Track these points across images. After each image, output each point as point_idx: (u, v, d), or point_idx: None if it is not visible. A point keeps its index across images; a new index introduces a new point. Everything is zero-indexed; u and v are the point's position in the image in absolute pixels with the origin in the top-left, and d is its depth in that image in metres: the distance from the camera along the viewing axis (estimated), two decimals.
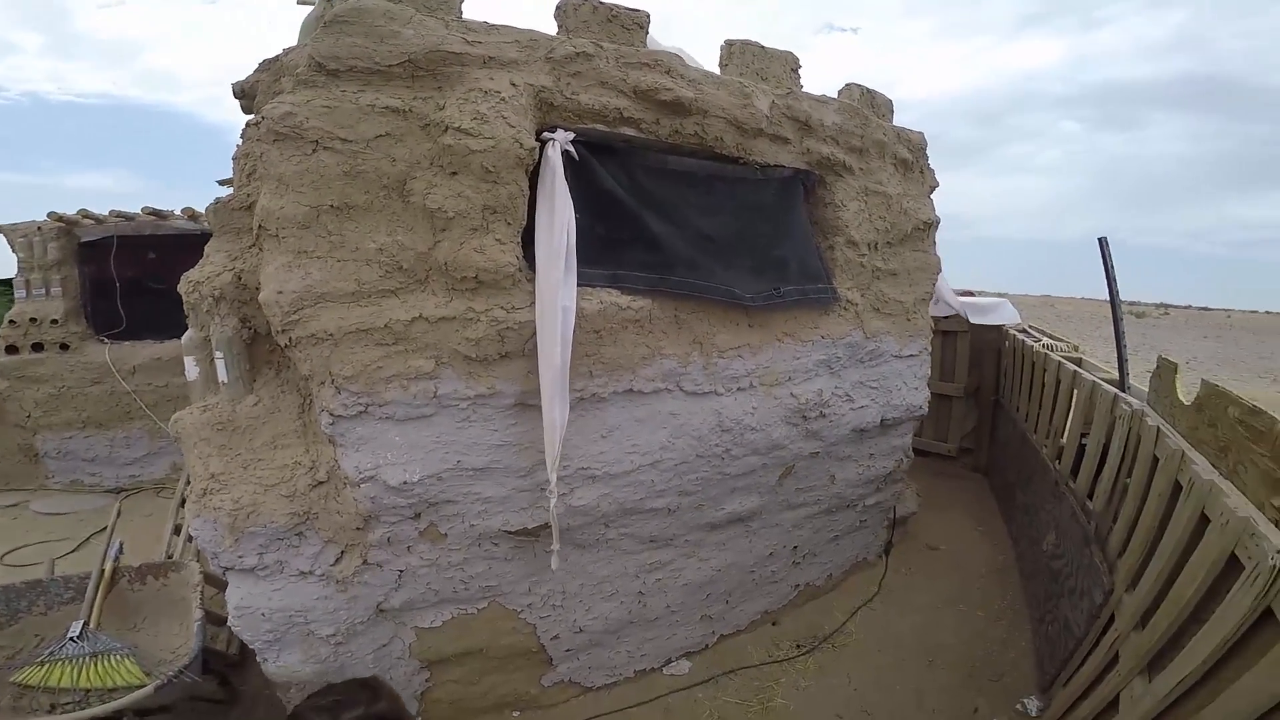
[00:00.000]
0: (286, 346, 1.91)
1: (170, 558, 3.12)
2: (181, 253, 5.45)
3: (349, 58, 1.91)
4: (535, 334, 2.02)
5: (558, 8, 2.27)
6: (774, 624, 3.24)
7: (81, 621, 2.32)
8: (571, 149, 2.11)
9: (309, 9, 2.36)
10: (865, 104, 3.11)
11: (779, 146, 2.70)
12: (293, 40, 2.25)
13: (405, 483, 2.02)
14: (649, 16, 2.39)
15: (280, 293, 1.84)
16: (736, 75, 2.62)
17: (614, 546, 2.61)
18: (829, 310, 2.88)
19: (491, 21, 2.11)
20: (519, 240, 2.07)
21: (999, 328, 5.00)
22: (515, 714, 2.65)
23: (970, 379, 5.22)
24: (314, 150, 1.89)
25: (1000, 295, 5.73)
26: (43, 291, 5.24)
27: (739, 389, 2.57)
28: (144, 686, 2.08)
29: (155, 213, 5.48)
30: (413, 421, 2.01)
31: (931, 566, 3.82)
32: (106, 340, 5.32)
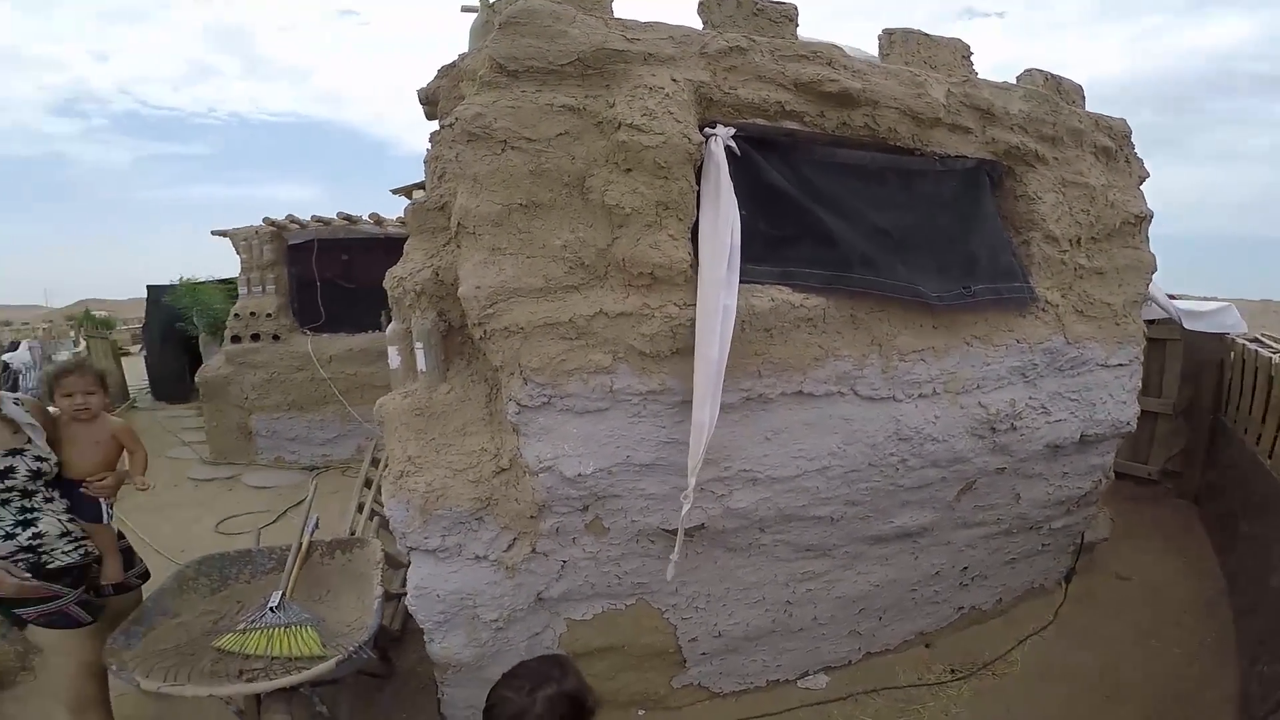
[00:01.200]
0: (481, 339, 2.02)
1: (353, 534, 3.39)
2: (368, 255, 6.06)
3: (525, 58, 1.98)
4: None
5: (701, 3, 2.25)
6: (927, 645, 3.03)
7: (280, 592, 2.44)
8: (733, 144, 2.07)
9: (473, 15, 2.50)
10: (1052, 90, 2.84)
11: (959, 136, 2.53)
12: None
13: (579, 475, 2.07)
14: (797, 9, 2.31)
15: (478, 287, 1.94)
16: (901, 65, 2.47)
17: (767, 553, 2.53)
18: (1025, 312, 2.62)
19: (640, 19, 2.13)
20: (689, 236, 2.05)
21: (1221, 336, 4.29)
22: (641, 712, 2.65)
23: (1181, 394, 4.55)
24: (503, 150, 1.98)
25: (1210, 299, 4.90)
26: (260, 289, 6.00)
27: (920, 395, 2.40)
28: (321, 657, 2.15)
29: (347, 217, 6.10)
30: (590, 415, 2.05)
31: (1120, 598, 3.41)
32: (308, 332, 5.99)
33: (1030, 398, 2.64)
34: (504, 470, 2.16)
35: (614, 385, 2.02)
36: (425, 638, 2.30)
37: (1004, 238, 2.68)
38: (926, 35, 2.61)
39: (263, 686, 1.99)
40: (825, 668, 2.88)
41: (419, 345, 2.31)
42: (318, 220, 6.07)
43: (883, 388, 2.32)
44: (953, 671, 2.85)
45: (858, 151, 2.35)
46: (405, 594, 2.79)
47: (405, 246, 2.61)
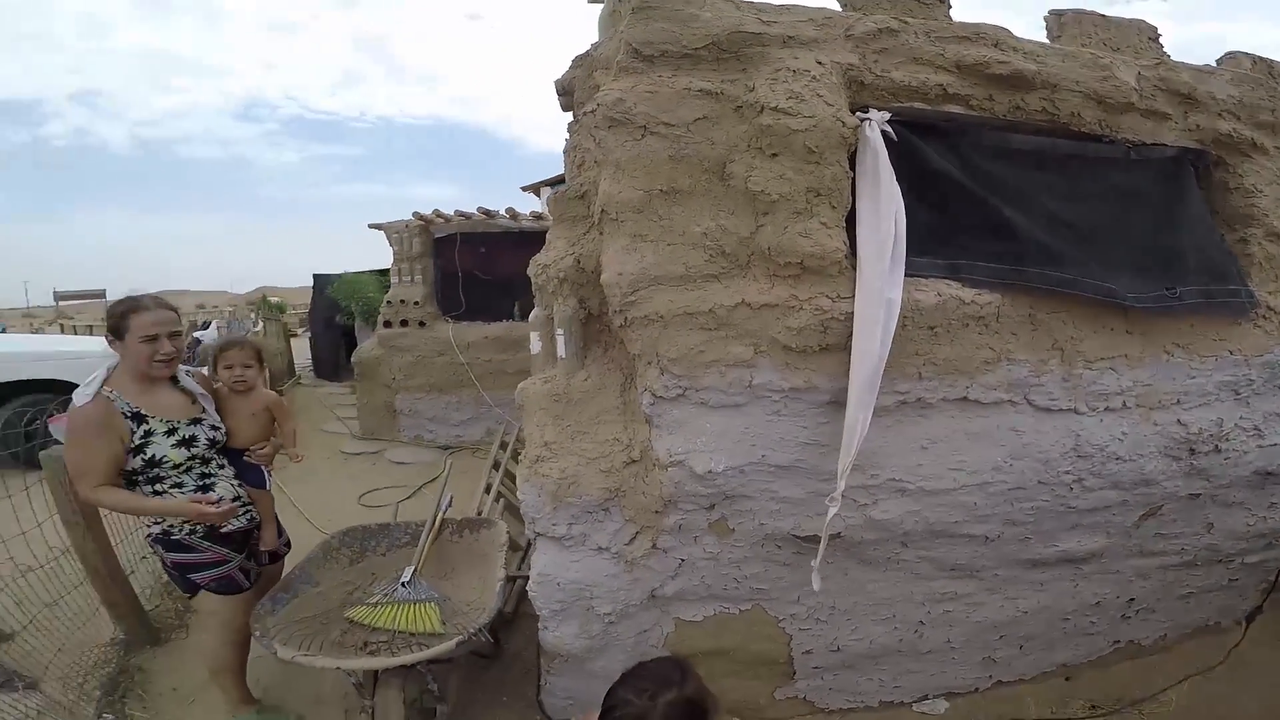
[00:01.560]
0: (621, 326, 1.99)
1: (480, 514, 3.48)
2: (503, 248, 6.34)
3: (660, 42, 1.95)
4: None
5: None
6: (1068, 679, 2.70)
7: (413, 568, 2.48)
8: (889, 129, 1.91)
9: (599, 7, 2.48)
10: (1263, 73, 2.47)
11: (1155, 123, 2.25)
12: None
13: (710, 471, 1.98)
14: None
15: (620, 274, 1.91)
16: (1076, 47, 2.22)
17: (906, 569, 2.33)
18: (1241, 319, 2.24)
19: (774, 2, 2.05)
20: (844, 225, 1.91)
21: None
22: None
23: None
24: (643, 135, 1.95)
25: None
26: (409, 278, 6.41)
27: (1107, 409, 2.11)
28: (439, 634, 2.16)
29: (486, 212, 6.39)
30: (725, 410, 1.96)
31: None
32: (450, 320, 6.33)
33: (1241, 417, 2.26)
34: (634, 462, 2.12)
35: (753, 380, 1.91)
36: (540, 625, 2.30)
37: (1214, 235, 2.31)
38: (1102, 16, 2.39)
39: (386, 662, 2.02)
40: (947, 693, 2.63)
41: (559, 331, 2.32)
42: (460, 215, 6.41)
43: (1062, 398, 2.05)
44: (1093, 708, 2.54)
45: (1036, 138, 2.12)
46: (519, 577, 2.84)
47: (548, 235, 2.65)
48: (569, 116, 2.81)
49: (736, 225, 1.91)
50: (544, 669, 2.49)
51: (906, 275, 1.84)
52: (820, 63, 1.97)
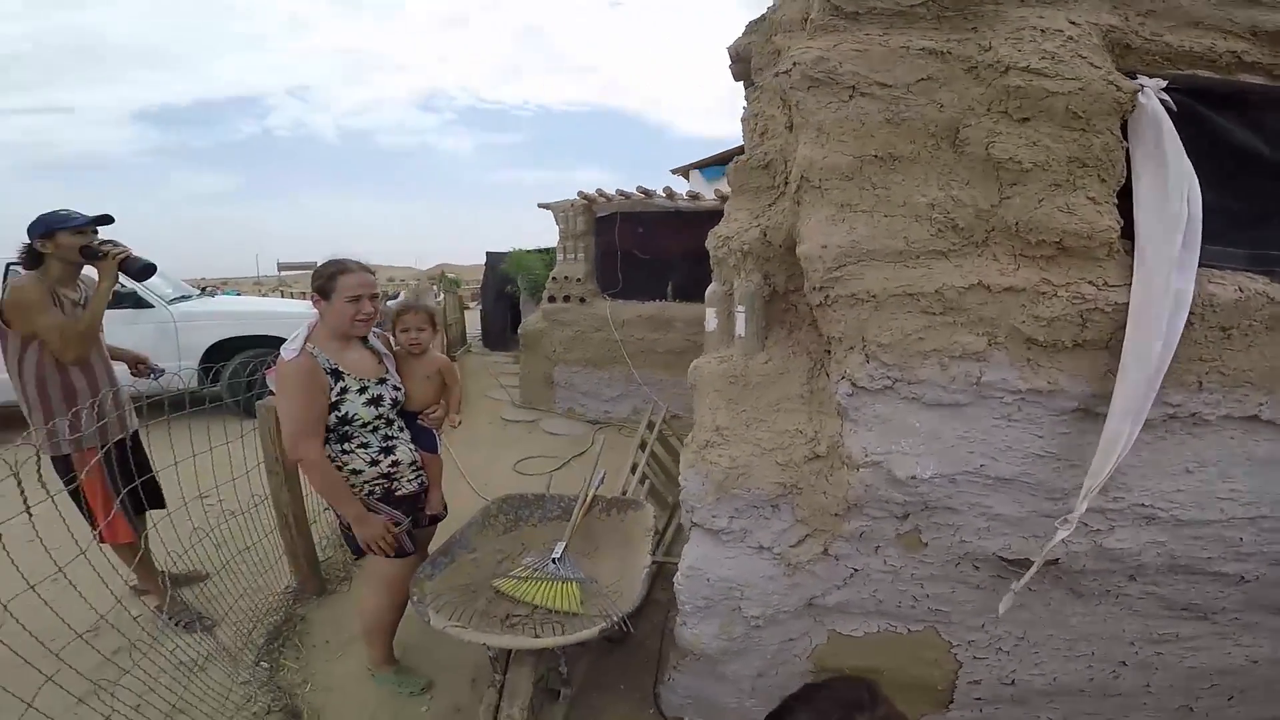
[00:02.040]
0: (819, 305, 1.79)
1: (624, 494, 3.34)
2: (659, 227, 6.28)
3: None
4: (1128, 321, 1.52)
5: None
6: None
7: (564, 544, 2.44)
8: (1167, 98, 1.55)
9: None
10: None
11: None
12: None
13: (913, 477, 1.74)
14: None
15: (824, 247, 1.71)
16: None
17: (1125, 604, 1.95)
18: None
19: None
20: (1114, 202, 1.58)
21: None
22: None
23: None
24: (851, 96, 1.73)
25: None
26: (573, 256, 6.54)
27: None
28: (577, 615, 2.10)
29: (645, 191, 6.34)
30: (942, 408, 1.71)
31: None
32: (608, 297, 6.38)
33: None
34: (817, 457, 1.91)
35: (983, 376, 1.64)
36: (677, 619, 2.17)
37: None
38: None
39: (534, 643, 1.95)
40: None
41: (740, 309, 2.15)
42: (621, 194, 6.43)
43: None
44: None
45: None
46: (661, 563, 2.69)
47: (726, 206, 2.49)
48: (736, 85, 2.64)
49: (973, 196, 1.64)
50: (670, 664, 2.36)
51: (1198, 265, 1.48)
52: (1074, 22, 1.68)
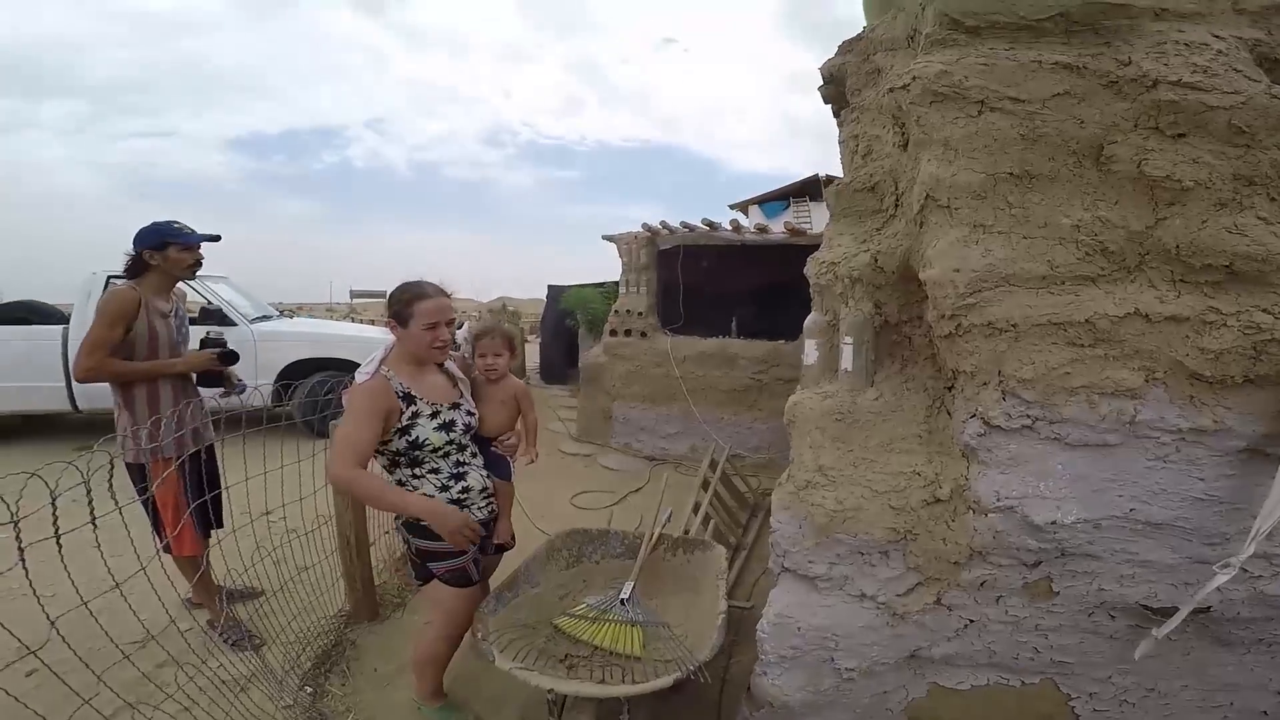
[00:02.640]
0: (949, 336, 1.66)
1: (688, 534, 3.19)
2: (722, 262, 6.24)
3: (986, 12, 1.69)
4: None
5: None
6: None
7: (632, 584, 2.35)
8: None
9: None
10: None
11: None
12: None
13: (1053, 523, 1.58)
14: None
15: (957, 270, 1.59)
16: None
17: (1274, 652, 1.73)
18: None
19: None
20: None
21: None
22: None
23: None
24: (980, 111, 1.65)
25: None
26: (635, 289, 6.50)
27: None
28: (639, 659, 2.00)
29: (710, 224, 6.30)
30: (1088, 449, 1.55)
31: None
32: (669, 333, 6.32)
33: None
34: (938, 501, 1.76)
35: (1137, 414, 1.49)
36: (758, 668, 2.02)
37: None
38: None
39: (613, 691, 1.83)
40: None
41: (847, 340, 2.04)
42: (685, 226, 6.39)
43: None
44: None
45: None
46: (738, 608, 2.57)
47: (825, 232, 2.41)
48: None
49: (1123, 217, 1.52)
50: (742, 715, 2.18)
51: None
52: (1218, 35, 1.61)
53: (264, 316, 6.89)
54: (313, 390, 5.49)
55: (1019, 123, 1.62)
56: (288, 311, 9.55)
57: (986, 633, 1.85)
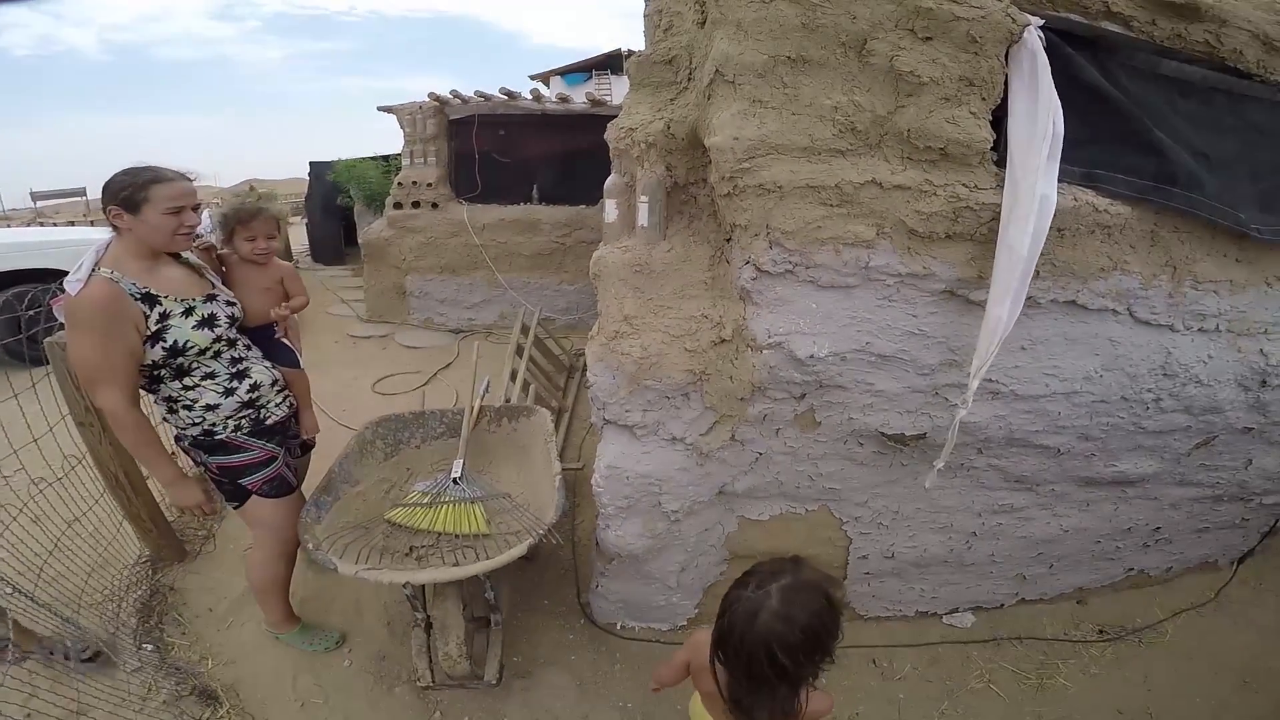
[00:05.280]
0: (727, 195, 1.88)
1: (508, 402, 3.25)
2: (523, 131, 6.09)
3: None
4: (995, 219, 1.79)
5: None
6: (1079, 602, 2.86)
7: (461, 462, 2.30)
8: (1040, 35, 1.79)
9: None
10: None
11: None
12: None
13: (811, 356, 1.94)
14: None
15: (736, 139, 1.79)
16: None
17: (974, 477, 2.36)
18: None
19: None
20: (989, 118, 1.81)
21: None
22: None
23: None
24: None
25: None
26: (422, 160, 6.13)
27: (1200, 329, 2.10)
28: (486, 534, 2.00)
29: (509, 93, 6.06)
30: (834, 290, 1.90)
31: None
32: (464, 202, 6.10)
33: None
34: (724, 341, 2.04)
35: (870, 261, 1.85)
36: (601, 522, 2.22)
37: None
38: None
39: (465, 572, 1.78)
40: (976, 607, 2.75)
41: (643, 199, 2.20)
42: (480, 95, 6.07)
43: (1164, 313, 2.04)
44: (1100, 632, 2.69)
45: (1187, 66, 2.00)
46: (568, 469, 2.60)
47: (624, 101, 2.50)
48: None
49: (872, 103, 1.79)
50: (598, 571, 2.42)
51: None
52: None
53: None
54: (7, 309, 4.48)
55: (802, 12, 1.77)
56: None
57: (773, 464, 2.22)
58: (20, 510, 2.25)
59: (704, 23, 2.13)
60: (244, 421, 2.02)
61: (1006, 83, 1.78)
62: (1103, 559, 2.75)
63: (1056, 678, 2.46)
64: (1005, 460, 2.27)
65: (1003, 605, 2.77)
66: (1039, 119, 1.70)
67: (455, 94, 6.08)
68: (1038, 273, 1.88)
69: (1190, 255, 2.02)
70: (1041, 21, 1.79)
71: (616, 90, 13.50)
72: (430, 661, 2.05)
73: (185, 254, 2.02)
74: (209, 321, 1.92)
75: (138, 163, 1.85)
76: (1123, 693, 2.42)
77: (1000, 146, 1.80)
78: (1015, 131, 1.76)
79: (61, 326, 2.23)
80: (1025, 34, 1.76)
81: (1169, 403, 2.17)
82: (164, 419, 2.03)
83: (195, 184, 1.92)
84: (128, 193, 1.79)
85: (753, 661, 1.23)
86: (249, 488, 2.05)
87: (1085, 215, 1.87)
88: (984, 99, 1.79)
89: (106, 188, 1.81)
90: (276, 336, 2.24)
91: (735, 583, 1.34)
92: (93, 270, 1.76)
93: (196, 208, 1.91)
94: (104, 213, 1.82)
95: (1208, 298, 2.06)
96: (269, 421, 2.09)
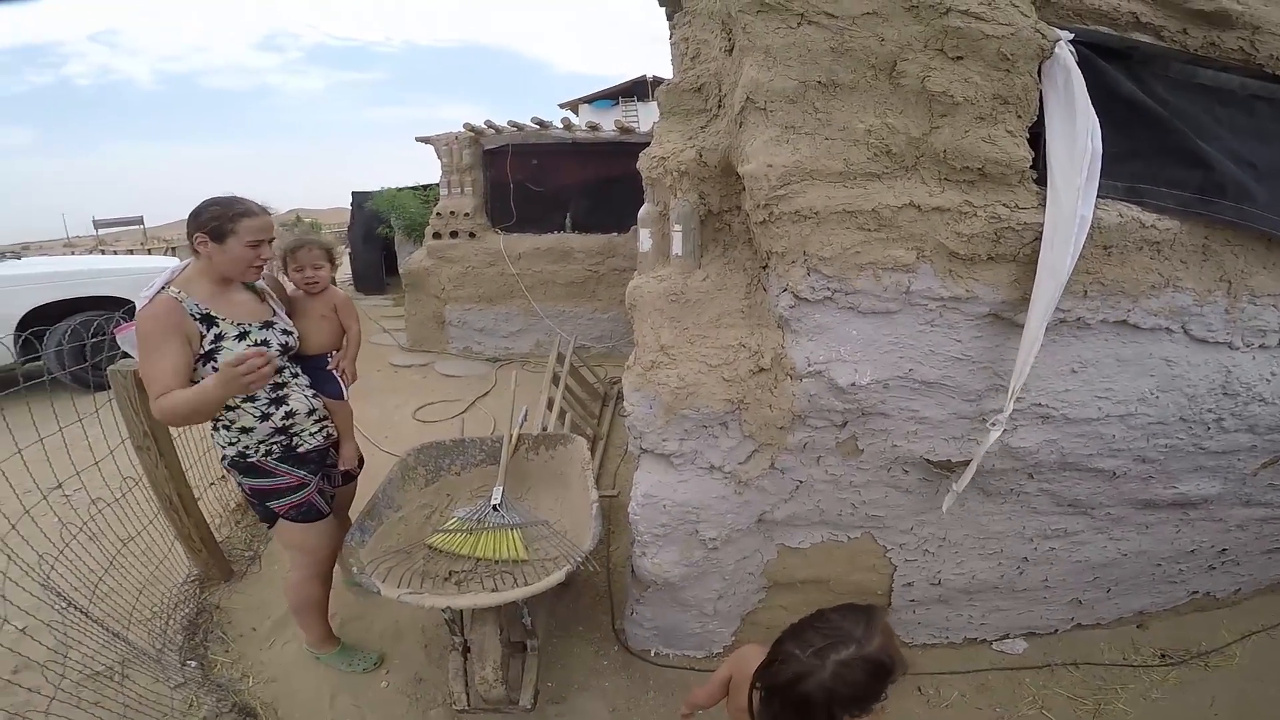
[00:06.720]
0: (763, 222, 1.88)
1: (545, 430, 3.28)
2: (556, 160, 6.18)
3: None
4: (1037, 239, 1.75)
5: None
6: (1140, 626, 2.72)
7: (500, 489, 2.33)
8: (1072, 48, 1.76)
9: None
10: None
11: None
12: None
13: (853, 384, 1.91)
14: None
15: (770, 166, 1.79)
16: None
17: (1025, 502, 2.28)
18: None
19: None
20: (1027, 136, 1.79)
21: None
22: None
23: None
24: (799, 23, 1.80)
25: None
26: (459, 190, 6.27)
27: (1262, 346, 2.01)
28: (524, 560, 2.02)
29: (540, 122, 6.17)
30: (875, 316, 1.87)
31: None
32: (500, 231, 6.21)
33: None
34: (762, 370, 2.03)
35: (911, 285, 1.82)
36: (637, 550, 2.21)
37: None
38: None
39: (508, 596, 1.80)
40: (1028, 632, 2.64)
41: (677, 228, 2.21)
42: (513, 125, 6.20)
43: (1221, 330, 1.96)
44: (1163, 656, 2.55)
45: (1224, 74, 1.94)
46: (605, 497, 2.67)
47: (656, 128, 2.52)
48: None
49: (905, 125, 1.78)
50: (633, 598, 2.41)
51: None
52: None
53: None
54: (73, 336, 4.69)
55: (831, 36, 1.78)
56: (13, 253, 7.99)
57: (814, 492, 2.19)
58: (80, 528, 2.36)
59: (731, 49, 2.15)
60: (275, 447, 2.07)
61: (1042, 99, 1.75)
62: (1164, 582, 2.63)
63: (1115, 703, 2.34)
64: (1058, 484, 2.20)
65: (1057, 631, 2.66)
66: (1077, 137, 1.67)
67: (489, 124, 6.23)
68: (1085, 292, 1.83)
69: (1246, 269, 1.94)
70: (1071, 35, 1.76)
71: (643, 117, 13.69)
72: (466, 685, 2.06)
73: (256, 282, 2.11)
74: (260, 347, 1.97)
75: (224, 193, 1.96)
76: (1186, 717, 2.30)
77: (1039, 164, 1.78)
78: (1054, 149, 1.73)
79: (125, 355, 2.35)
80: (1057, 49, 1.74)
81: (1231, 422, 2.08)
82: (211, 433, 2.10)
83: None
84: (217, 223, 1.89)
85: (787, 712, 1.19)
86: (276, 511, 2.10)
87: (1132, 231, 1.81)
88: (1020, 116, 1.76)
89: (195, 215, 1.92)
90: (328, 368, 2.30)
91: (796, 629, 1.24)
92: (161, 288, 1.88)
93: (271, 241, 2.01)
94: (189, 239, 1.92)
95: (1267, 312, 1.98)
96: (301, 449, 2.12)
